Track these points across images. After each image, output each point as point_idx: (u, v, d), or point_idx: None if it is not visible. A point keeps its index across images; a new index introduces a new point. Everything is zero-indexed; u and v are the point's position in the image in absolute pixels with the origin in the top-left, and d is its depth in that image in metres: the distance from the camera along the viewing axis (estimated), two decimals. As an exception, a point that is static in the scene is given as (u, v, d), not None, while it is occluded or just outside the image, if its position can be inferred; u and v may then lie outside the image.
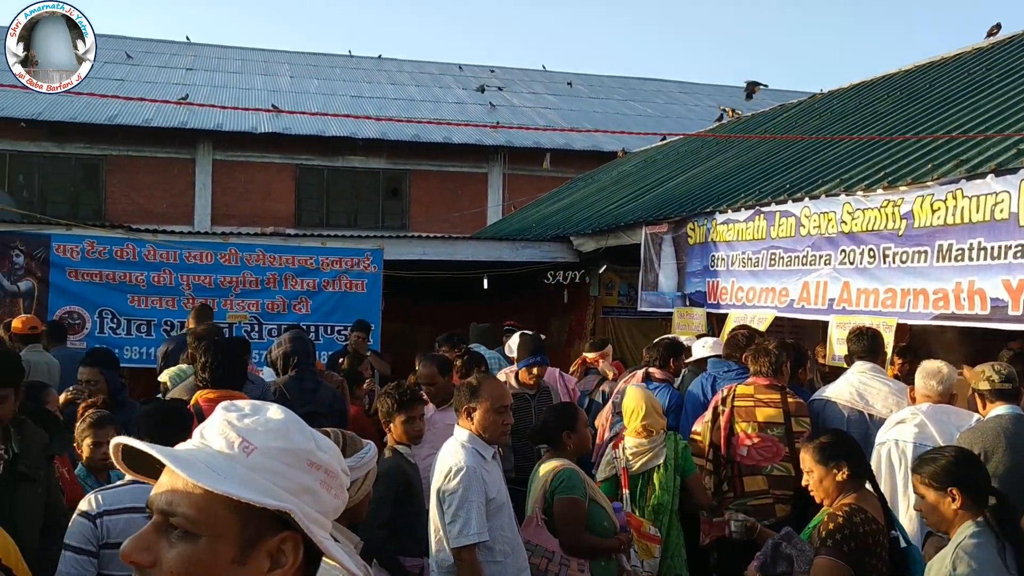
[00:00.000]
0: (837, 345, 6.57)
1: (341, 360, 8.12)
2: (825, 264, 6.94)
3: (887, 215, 6.33)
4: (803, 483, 3.71)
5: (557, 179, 20.98)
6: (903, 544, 3.52)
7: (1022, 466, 4.10)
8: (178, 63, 25.89)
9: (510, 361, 7.76)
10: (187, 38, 29.09)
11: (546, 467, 4.39)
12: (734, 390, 5.35)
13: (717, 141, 13.52)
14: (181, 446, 1.23)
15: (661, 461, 5.13)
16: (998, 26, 11.60)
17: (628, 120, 25.00)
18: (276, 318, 10.28)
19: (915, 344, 7.28)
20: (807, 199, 7.22)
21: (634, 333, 11.59)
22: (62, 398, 5.47)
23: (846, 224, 6.72)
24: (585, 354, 7.79)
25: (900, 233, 6.20)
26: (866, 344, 5.46)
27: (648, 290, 9.63)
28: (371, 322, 9.85)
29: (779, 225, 7.51)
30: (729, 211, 8.23)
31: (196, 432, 1.25)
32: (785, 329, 8.78)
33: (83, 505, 3.25)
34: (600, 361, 7.68)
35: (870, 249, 6.47)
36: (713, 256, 8.44)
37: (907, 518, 4.26)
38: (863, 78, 12.81)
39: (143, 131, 20.10)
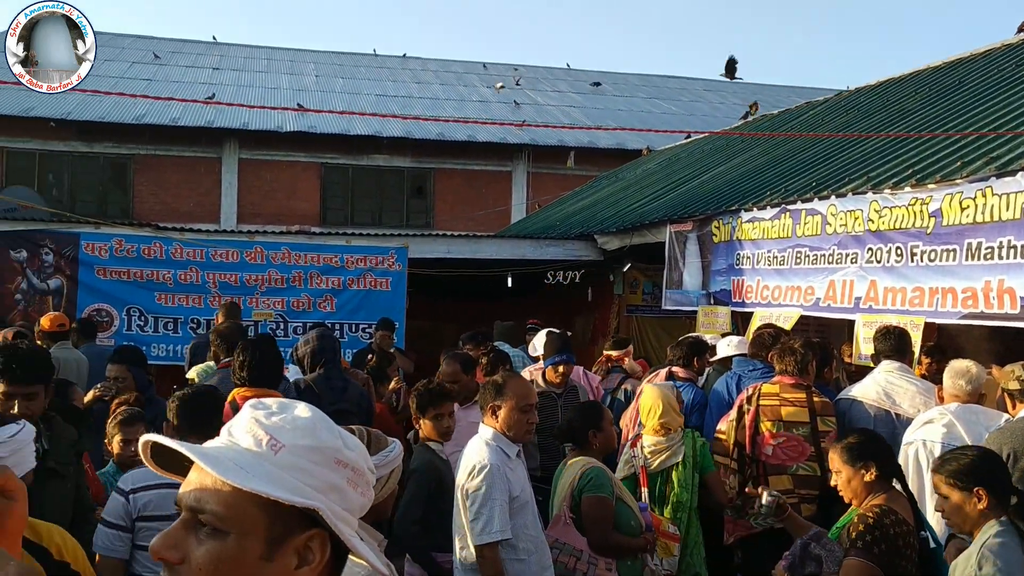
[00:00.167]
0: (863, 344, 6.52)
1: (369, 357, 8.15)
2: (852, 263, 6.89)
3: (915, 213, 6.27)
4: (831, 483, 3.69)
5: (581, 177, 20.94)
6: (932, 545, 3.49)
7: (1053, 467, 4.04)
8: (205, 63, 26.07)
9: (533, 360, 7.76)
10: (214, 38, 29.29)
11: (573, 466, 4.39)
12: (759, 389, 5.32)
13: (742, 139, 13.44)
14: (209, 443, 1.25)
15: (680, 459, 5.12)
16: (1029, 22, 11.45)
17: (653, 118, 24.91)
18: (301, 316, 10.34)
19: (943, 343, 7.21)
20: (833, 197, 7.17)
21: (658, 331, 11.55)
22: (90, 395, 5.53)
23: (873, 222, 6.66)
24: (608, 352, 7.77)
25: (928, 231, 6.14)
26: (893, 343, 5.42)
27: (672, 288, 9.60)
28: (395, 320, 9.88)
29: (805, 223, 7.45)
30: (755, 209, 8.18)
31: (224, 430, 1.27)
32: (811, 328, 8.72)
33: (119, 482, 3.49)
34: (625, 359, 7.67)
35: (898, 247, 6.41)
36: (738, 254, 8.40)
37: (935, 519, 4.22)
38: (891, 75, 12.69)
39: (170, 130, 20.27)
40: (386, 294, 10.61)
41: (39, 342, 6.90)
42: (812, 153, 9.81)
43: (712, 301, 8.80)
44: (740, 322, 8.49)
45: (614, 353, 7.69)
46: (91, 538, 3.65)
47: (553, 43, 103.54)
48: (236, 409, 4.18)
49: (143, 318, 10.00)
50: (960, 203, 5.88)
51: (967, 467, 3.18)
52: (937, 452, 4.32)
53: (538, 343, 7.10)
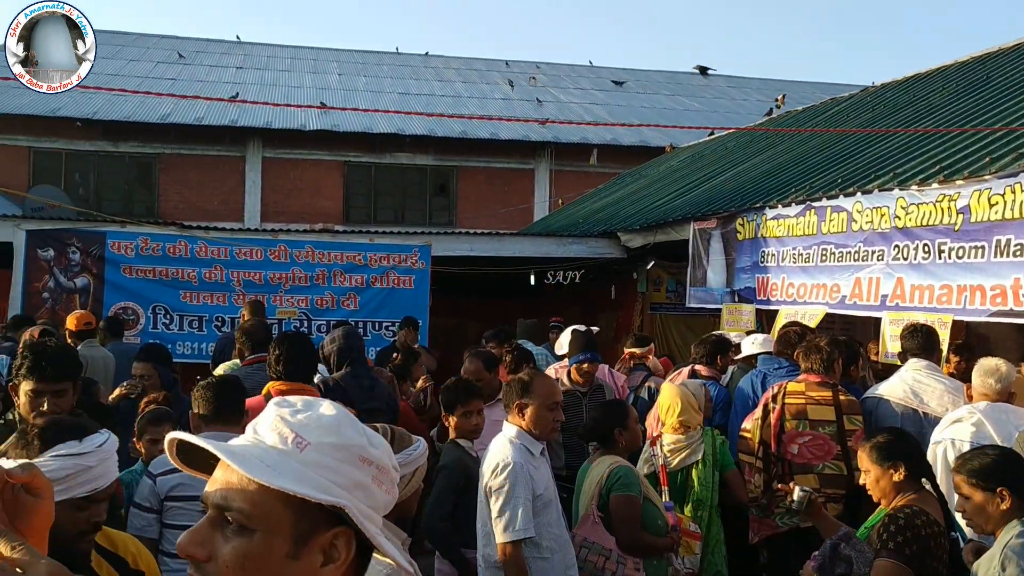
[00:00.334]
0: (890, 342, 6.46)
1: (394, 356, 8.17)
2: (878, 260, 6.83)
3: (943, 209, 6.20)
4: (860, 482, 3.66)
5: (604, 175, 20.89)
6: (963, 545, 3.45)
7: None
8: (229, 62, 26.22)
9: (559, 358, 7.75)
10: (237, 37, 29.45)
11: (600, 464, 4.38)
12: (784, 387, 5.29)
13: (766, 135, 13.36)
14: (235, 441, 1.25)
15: (699, 457, 5.11)
16: (1058, 16, 11.31)
17: (676, 115, 24.82)
18: (325, 314, 10.38)
19: (972, 341, 7.13)
20: (859, 194, 7.11)
21: (682, 329, 11.51)
22: (116, 393, 5.57)
23: (900, 219, 6.60)
24: (631, 349, 7.75)
25: (956, 228, 6.07)
26: (920, 341, 5.36)
27: (696, 286, 9.56)
28: (419, 318, 9.90)
29: (830, 220, 7.40)
30: (779, 206, 8.13)
31: (249, 428, 1.27)
32: (836, 326, 8.66)
33: (150, 466, 3.74)
34: (649, 356, 7.65)
35: (925, 244, 6.35)
36: (763, 252, 8.35)
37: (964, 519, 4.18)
38: (917, 70, 12.57)
39: (195, 129, 20.42)
40: (409, 292, 10.63)
41: (68, 341, 6.96)
42: (837, 150, 9.74)
43: (736, 299, 8.76)
44: (765, 320, 8.44)
45: (637, 350, 7.67)
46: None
47: (575, 41, 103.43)
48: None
49: (168, 316, 10.07)
50: (988, 199, 5.81)
51: (989, 467, 3.14)
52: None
53: (564, 341, 7.09)
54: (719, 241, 9.12)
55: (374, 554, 1.30)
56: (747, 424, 5.44)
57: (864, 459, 3.59)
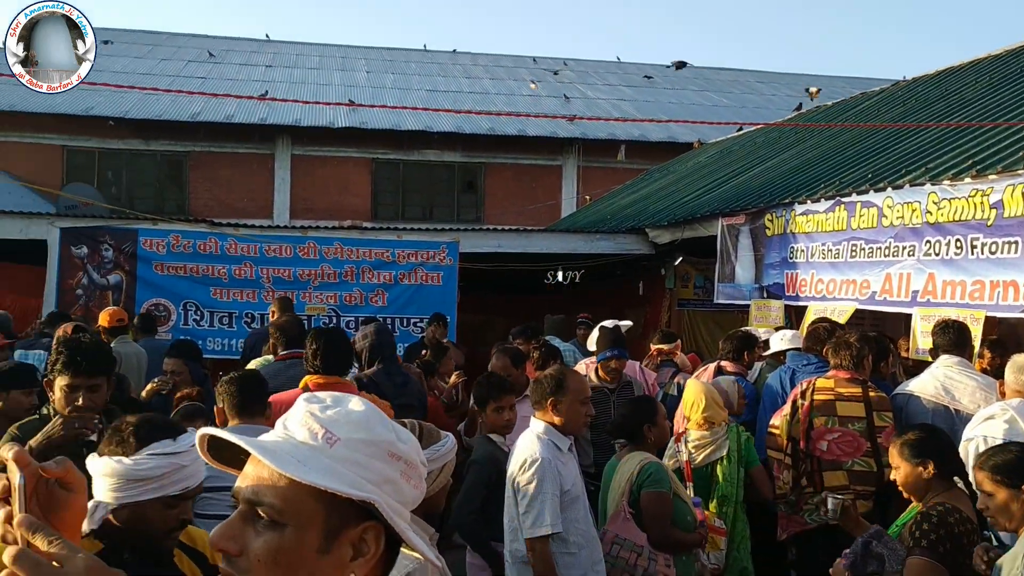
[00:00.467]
0: (921, 338, 6.40)
1: (424, 352, 8.20)
2: (909, 255, 6.76)
3: (975, 204, 6.13)
4: (890, 478, 3.64)
5: (632, 171, 20.83)
6: (995, 544, 3.41)
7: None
8: (258, 60, 26.39)
9: (590, 354, 7.74)
10: (266, 35, 29.63)
11: (629, 461, 4.38)
12: (813, 383, 5.26)
13: (796, 130, 13.26)
14: (265, 437, 1.26)
15: (724, 453, 5.10)
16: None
17: (704, 111, 24.70)
18: (353, 310, 10.43)
19: (1004, 337, 7.04)
20: (890, 189, 7.04)
21: (710, 325, 11.46)
22: (148, 389, 5.63)
23: (931, 214, 6.53)
24: (658, 345, 7.72)
25: (989, 223, 6.00)
26: (952, 337, 5.31)
27: (725, 282, 9.51)
28: (447, 314, 9.92)
29: (860, 216, 7.33)
30: (808, 202, 8.07)
31: (279, 423, 1.28)
32: (866, 322, 8.59)
33: None
34: (677, 352, 7.62)
35: (957, 240, 6.28)
36: (792, 248, 8.29)
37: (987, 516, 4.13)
38: (949, 64, 12.42)
39: (225, 127, 20.58)
40: (437, 288, 10.66)
41: (101, 337, 7.04)
42: (867, 144, 9.65)
43: (765, 295, 8.71)
44: (794, 316, 8.39)
45: (665, 347, 7.64)
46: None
47: (603, 36, 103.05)
48: None
49: (199, 312, 10.16)
50: (1022, 194, 5.74)
51: (1012, 463, 3.09)
52: (999, 450, 4.23)
53: (595, 337, 7.08)
54: (747, 237, 9.07)
55: (402, 548, 1.31)
56: (775, 420, 5.41)
57: (895, 455, 3.58)
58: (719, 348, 6.97)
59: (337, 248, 10.52)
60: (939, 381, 5.16)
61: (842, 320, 6.99)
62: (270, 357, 6.12)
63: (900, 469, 3.54)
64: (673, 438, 5.27)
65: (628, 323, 7.89)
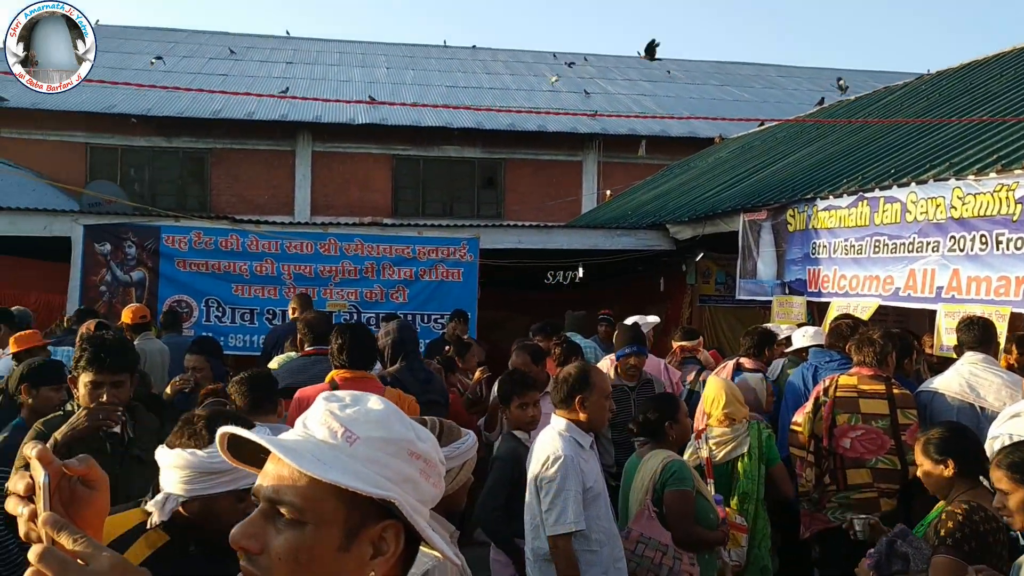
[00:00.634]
0: (945, 335, 6.34)
1: (447, 348, 8.21)
2: (933, 251, 6.70)
3: (1000, 200, 6.06)
4: (916, 474, 3.63)
5: (652, 166, 20.77)
6: (1022, 543, 3.38)
7: None
8: (278, 57, 26.50)
9: (605, 350, 7.72)
10: (287, 32, 29.78)
11: (652, 459, 4.36)
12: (836, 380, 5.22)
13: (818, 125, 13.17)
14: (285, 435, 1.26)
15: (745, 450, 5.07)
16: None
17: (725, 106, 24.58)
18: (374, 307, 10.45)
19: (1030, 334, 6.97)
20: (914, 184, 6.98)
21: (731, 322, 11.41)
22: (170, 388, 5.66)
23: (956, 209, 6.47)
24: (681, 343, 7.69)
25: (1015, 218, 5.93)
26: (977, 334, 5.25)
27: (746, 278, 9.46)
28: (467, 311, 9.93)
29: (884, 211, 7.27)
30: (831, 197, 8.01)
31: (298, 422, 1.28)
32: (889, 318, 8.52)
33: None
34: (700, 349, 7.59)
35: (982, 235, 6.21)
36: (814, 243, 8.24)
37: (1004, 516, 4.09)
38: (974, 57, 12.30)
39: (246, 124, 20.69)
40: (458, 285, 10.66)
41: (124, 334, 7.09)
42: (891, 139, 9.57)
43: (787, 291, 8.66)
44: (816, 312, 8.34)
45: (687, 344, 7.61)
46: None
47: (623, 31, 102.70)
48: (336, 390, 4.35)
49: (221, 309, 10.22)
50: (1049, 189, 5.67)
51: None
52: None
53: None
54: (769, 233, 9.02)
55: (421, 546, 1.31)
56: (798, 418, 5.38)
57: (918, 453, 3.58)
58: (740, 344, 6.94)
59: (358, 244, 10.55)
60: (964, 378, 5.10)
61: (865, 316, 6.94)
62: (292, 354, 6.15)
63: (923, 467, 3.54)
64: (694, 435, 5.25)
65: (655, 319, 7.82)
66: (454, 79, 25.83)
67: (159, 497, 2.28)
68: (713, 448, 5.06)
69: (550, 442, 3.86)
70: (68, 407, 3.68)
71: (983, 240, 6.20)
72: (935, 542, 3.25)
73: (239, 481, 2.28)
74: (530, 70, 27.55)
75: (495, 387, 6.57)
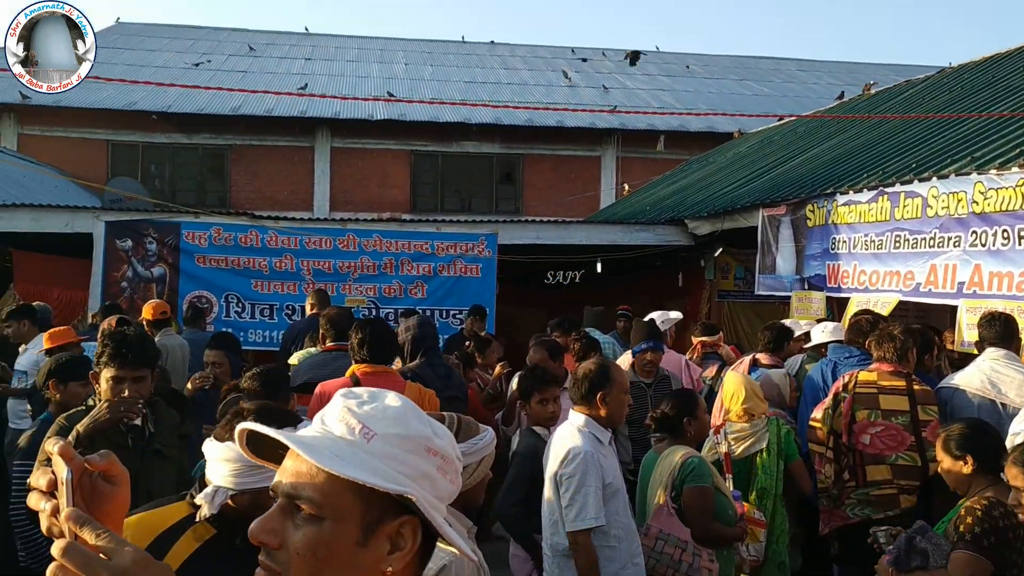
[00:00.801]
0: (967, 330, 6.29)
1: (467, 344, 8.22)
2: (954, 246, 6.65)
3: (1023, 194, 6.01)
4: (939, 470, 3.62)
5: (671, 161, 20.70)
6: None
7: None
8: (297, 53, 26.58)
9: (624, 346, 7.70)
10: (306, 29, 29.84)
11: (671, 455, 4.35)
12: (856, 376, 5.19)
13: (838, 120, 13.08)
14: (303, 432, 1.27)
15: (764, 446, 5.05)
16: None
17: (744, 100, 24.46)
18: (393, 302, 10.48)
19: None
20: (935, 179, 6.92)
21: (750, 317, 11.36)
22: (190, 386, 5.70)
23: (977, 204, 6.41)
24: (701, 338, 7.66)
25: (1037, 213, 5.88)
26: (999, 329, 5.21)
27: (765, 273, 9.43)
28: (485, 306, 9.94)
29: (904, 206, 7.22)
30: (851, 192, 7.97)
31: (316, 418, 1.29)
32: (910, 314, 8.47)
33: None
34: (721, 345, 7.56)
35: (1004, 230, 6.16)
36: (834, 239, 8.20)
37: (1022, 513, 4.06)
38: (996, 50, 12.18)
39: (265, 120, 20.77)
40: (476, 280, 10.67)
41: (145, 330, 7.14)
42: (912, 134, 9.50)
43: (806, 286, 8.62)
44: (835, 308, 8.29)
45: (708, 339, 7.58)
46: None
47: (642, 26, 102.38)
48: (357, 384, 4.42)
49: (240, 305, 10.27)
50: (1072, 183, 5.61)
51: None
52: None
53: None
54: (788, 228, 8.98)
55: (438, 542, 1.32)
56: (817, 414, 5.35)
57: (938, 449, 3.59)
58: (757, 340, 6.91)
59: (376, 240, 10.58)
60: (985, 374, 5.07)
61: (885, 312, 6.90)
62: (312, 349, 6.18)
63: (943, 463, 3.54)
64: (712, 430, 5.24)
65: (677, 315, 7.75)
66: (472, 75, 25.83)
67: (208, 490, 2.29)
68: (732, 443, 5.05)
69: (569, 438, 3.86)
70: (90, 402, 3.71)
71: (1005, 235, 6.15)
72: (954, 538, 3.24)
73: None
74: (548, 65, 27.49)
75: (513, 382, 6.60)
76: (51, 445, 1.14)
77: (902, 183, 7.30)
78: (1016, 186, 6.06)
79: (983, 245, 6.36)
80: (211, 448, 2.33)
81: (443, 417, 2.39)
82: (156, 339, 6.58)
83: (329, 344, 5.70)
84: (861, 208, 7.79)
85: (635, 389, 5.86)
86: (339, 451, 1.20)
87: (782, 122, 16.81)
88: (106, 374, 3.53)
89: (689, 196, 13.72)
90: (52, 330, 6.94)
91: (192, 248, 10.19)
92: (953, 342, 6.82)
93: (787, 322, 7.41)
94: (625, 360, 6.62)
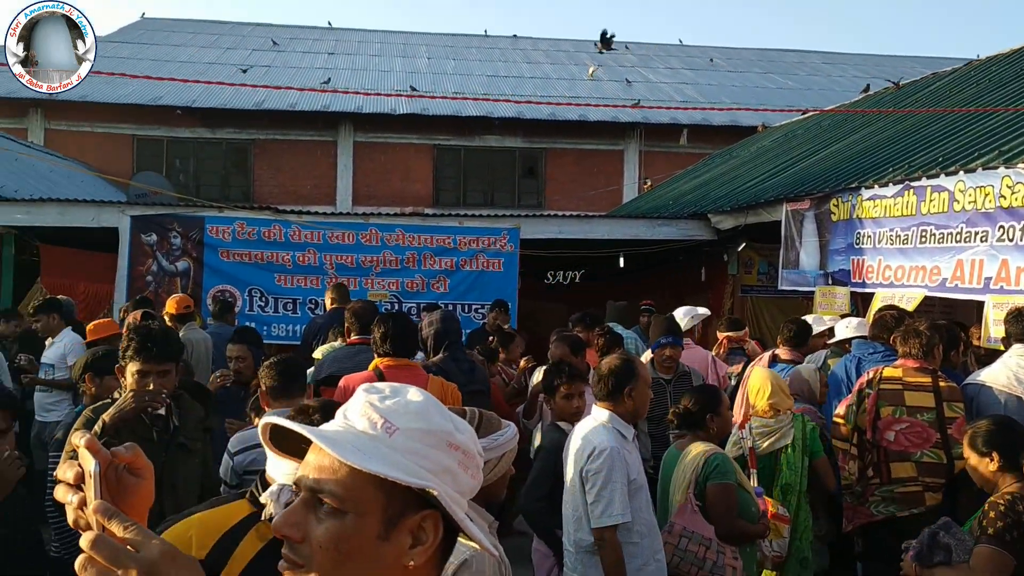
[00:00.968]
0: (993, 326, 6.22)
1: (491, 339, 8.23)
2: (981, 241, 6.57)
3: (1051, 189, 5.94)
4: (968, 466, 3.60)
5: (694, 155, 20.61)
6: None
7: None
8: (320, 48, 26.67)
9: (646, 341, 7.67)
10: (329, 23, 29.92)
11: (694, 451, 4.33)
12: (880, 372, 5.15)
13: (863, 113, 12.97)
14: (326, 426, 1.28)
15: (788, 441, 5.03)
16: None
17: (768, 93, 24.30)
18: (415, 296, 10.50)
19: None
20: (962, 172, 6.85)
21: (773, 312, 11.29)
22: (212, 384, 5.74)
23: (1005, 198, 6.34)
24: (726, 333, 7.62)
25: (1066, 208, 5.81)
26: (1026, 325, 5.16)
27: (789, 268, 9.37)
28: (507, 300, 9.95)
29: (931, 200, 7.15)
30: (876, 186, 7.90)
31: (339, 413, 1.30)
32: (936, 309, 8.39)
33: (228, 444, 3.87)
34: (746, 340, 7.52)
35: (1032, 225, 6.09)
36: (858, 233, 8.13)
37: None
38: (1024, 42, 12.04)
39: (288, 115, 20.85)
40: (498, 275, 10.67)
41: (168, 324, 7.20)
42: (938, 127, 9.41)
43: (830, 281, 8.56)
44: (860, 303, 8.23)
45: (734, 334, 7.54)
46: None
47: (665, 19, 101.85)
48: (381, 377, 4.44)
49: (264, 299, 10.33)
50: (1101, 177, 5.54)
51: None
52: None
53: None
54: (812, 222, 8.92)
55: (459, 537, 1.32)
56: (840, 410, 5.32)
57: (965, 446, 3.58)
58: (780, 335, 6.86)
59: (399, 234, 10.60)
60: (1011, 371, 5.02)
61: (910, 307, 6.84)
62: (336, 343, 6.21)
63: (969, 460, 3.53)
64: (737, 425, 5.21)
65: (704, 311, 7.67)
66: (495, 68, 25.81)
67: (273, 488, 2.29)
68: (756, 439, 5.03)
69: (594, 434, 3.84)
70: (115, 395, 3.75)
71: (1033, 230, 6.08)
72: (977, 533, 3.23)
73: None
74: (571, 59, 27.43)
75: (535, 375, 6.60)
76: (77, 438, 1.16)
77: (928, 177, 7.23)
78: (1045, 180, 5.99)
79: (1010, 240, 6.29)
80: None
81: (464, 412, 2.39)
82: (180, 333, 6.62)
83: (354, 338, 5.72)
84: (886, 202, 7.73)
85: (654, 385, 5.79)
86: (361, 445, 1.21)
87: (806, 116, 16.69)
88: (131, 368, 3.56)
89: (712, 190, 13.66)
90: (96, 322, 7.02)
91: (216, 242, 10.25)
92: (979, 338, 6.76)
93: (808, 318, 7.36)
94: (647, 355, 6.59)
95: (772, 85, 25.61)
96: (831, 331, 6.97)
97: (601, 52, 26.20)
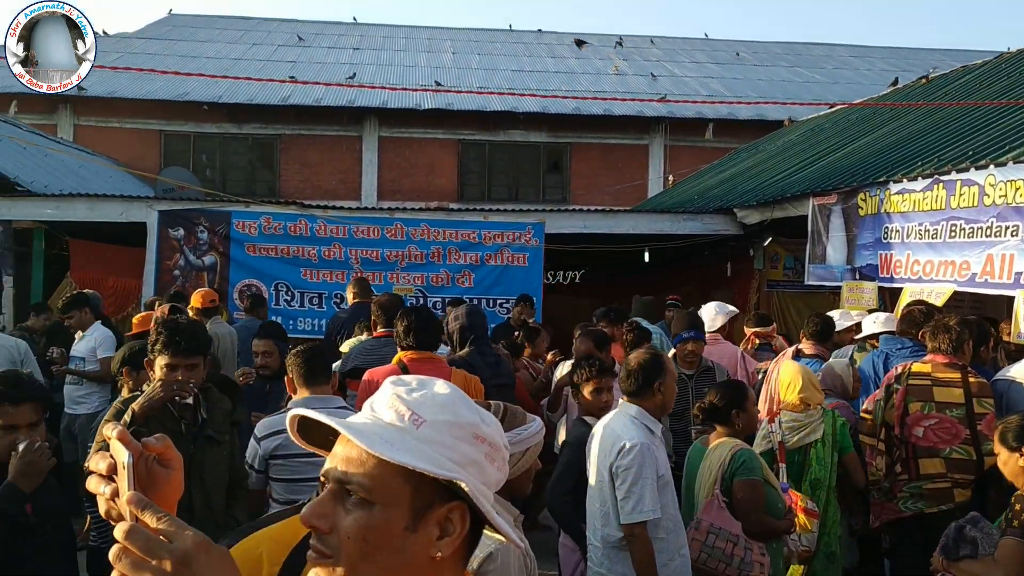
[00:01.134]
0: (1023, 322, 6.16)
1: (517, 334, 8.23)
2: (1012, 235, 6.50)
3: (1084, 182, 5.86)
4: (998, 464, 3.58)
5: (720, 150, 20.48)
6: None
7: None
8: (346, 43, 26.73)
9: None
10: (354, 19, 30.03)
11: (720, 447, 4.31)
12: (909, 368, 5.11)
13: (891, 107, 12.85)
14: (353, 418, 1.29)
15: (818, 436, 4.99)
16: None
17: (795, 87, 24.10)
18: (440, 291, 10.53)
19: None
20: (992, 166, 6.77)
21: (800, 307, 11.23)
22: (237, 380, 5.78)
23: (1036, 192, 6.26)
24: (754, 329, 7.57)
25: (1098, 202, 5.73)
26: (1058, 321, 5.10)
27: (816, 263, 9.31)
28: (532, 295, 9.95)
29: (960, 194, 7.08)
30: (904, 180, 7.82)
31: (366, 405, 1.31)
32: (965, 305, 8.30)
33: (255, 429, 4.07)
34: (774, 335, 7.47)
35: (1063, 219, 6.01)
36: (886, 228, 8.06)
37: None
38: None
39: (314, 110, 20.92)
40: (523, 269, 10.68)
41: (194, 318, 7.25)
42: (968, 120, 9.30)
43: (858, 276, 8.49)
44: (888, 298, 8.16)
45: (762, 329, 7.49)
46: (244, 503, 3.89)
47: (690, 13, 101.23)
48: (404, 370, 4.48)
49: (290, 293, 10.39)
50: None
51: None
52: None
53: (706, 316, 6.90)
54: (839, 217, 8.85)
55: (484, 529, 1.33)
56: (868, 405, 5.28)
57: (995, 441, 3.56)
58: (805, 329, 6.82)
59: (424, 229, 10.63)
60: (1042, 366, 4.96)
61: (939, 303, 6.78)
62: (361, 337, 6.23)
63: (1000, 456, 3.50)
64: (767, 419, 5.18)
65: (733, 309, 7.60)
66: (519, 63, 25.78)
67: None
68: (786, 433, 5.00)
69: (623, 429, 3.83)
70: (145, 387, 3.79)
71: (1065, 224, 6.00)
72: (1004, 526, 3.22)
73: None
74: (596, 53, 27.33)
75: (559, 369, 6.59)
76: (109, 429, 1.17)
77: (958, 171, 7.15)
78: (1077, 174, 5.91)
79: (1042, 234, 6.21)
80: None
81: (489, 405, 2.40)
82: (206, 327, 6.67)
83: (380, 330, 5.75)
84: (915, 197, 7.65)
85: (677, 381, 5.77)
86: (389, 437, 1.22)
87: (833, 110, 16.56)
88: (160, 361, 3.60)
89: (738, 185, 13.58)
90: (142, 314, 7.11)
91: (242, 237, 10.32)
92: (1010, 334, 6.68)
93: (835, 313, 7.30)
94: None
95: (799, 79, 25.40)
96: (859, 326, 6.91)
97: (579, 48, 26.57)
